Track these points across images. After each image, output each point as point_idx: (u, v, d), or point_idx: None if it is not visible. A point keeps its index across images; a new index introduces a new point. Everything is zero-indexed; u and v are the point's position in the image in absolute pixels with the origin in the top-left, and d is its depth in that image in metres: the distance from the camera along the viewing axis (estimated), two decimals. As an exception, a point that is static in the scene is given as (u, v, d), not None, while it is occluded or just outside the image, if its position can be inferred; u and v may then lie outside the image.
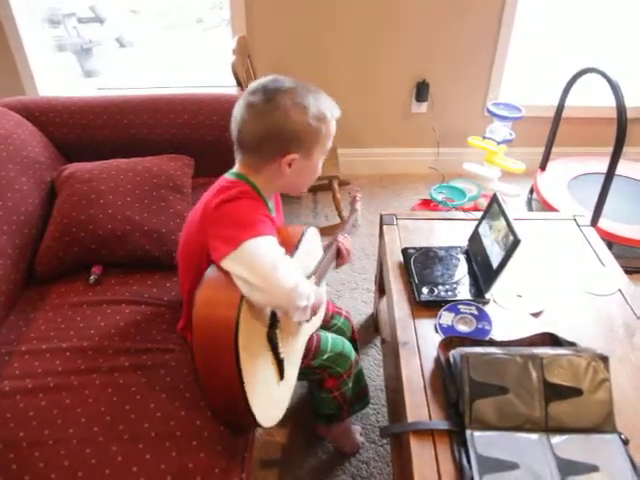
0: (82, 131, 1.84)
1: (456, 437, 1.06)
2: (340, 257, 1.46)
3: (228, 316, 1.02)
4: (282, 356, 1.19)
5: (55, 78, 3.04)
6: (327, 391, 1.48)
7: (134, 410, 1.18)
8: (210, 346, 1.05)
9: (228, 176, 1.22)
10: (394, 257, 1.59)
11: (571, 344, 1.20)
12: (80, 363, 1.28)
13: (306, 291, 1.10)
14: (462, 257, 1.56)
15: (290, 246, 1.25)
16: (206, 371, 1.07)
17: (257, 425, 1.12)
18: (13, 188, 1.55)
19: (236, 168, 1.22)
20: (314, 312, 1.20)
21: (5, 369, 1.27)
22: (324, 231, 1.81)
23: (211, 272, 1.09)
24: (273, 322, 1.17)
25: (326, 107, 1.17)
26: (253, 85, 1.16)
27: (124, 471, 1.07)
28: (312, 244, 1.38)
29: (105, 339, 1.35)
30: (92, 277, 1.53)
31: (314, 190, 3.03)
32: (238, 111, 1.16)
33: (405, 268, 1.53)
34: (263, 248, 1.07)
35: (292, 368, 1.28)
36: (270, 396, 1.17)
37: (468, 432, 1.05)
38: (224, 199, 1.13)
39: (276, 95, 1.12)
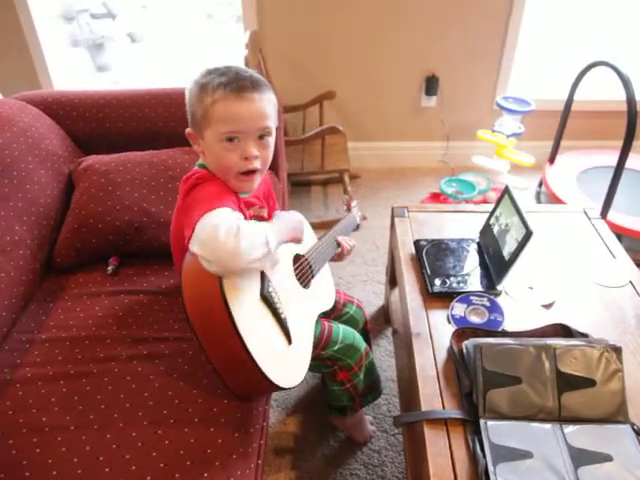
0: (98, 124, 1.85)
1: (470, 426, 1.08)
2: (340, 252, 1.51)
3: (213, 288, 1.01)
4: (283, 316, 1.16)
5: (70, 73, 3.07)
6: (339, 383, 1.48)
7: (152, 397, 1.20)
8: (206, 320, 1.04)
9: (195, 166, 1.26)
10: (406, 249, 1.61)
11: (583, 335, 1.21)
12: (99, 351, 1.31)
13: (259, 238, 1.03)
14: (473, 249, 1.57)
15: None
16: (211, 347, 1.07)
17: (276, 387, 1.10)
18: (32, 180, 1.58)
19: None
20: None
21: (26, 356, 1.30)
22: (321, 225, 1.85)
23: (187, 255, 1.08)
24: (263, 280, 1.14)
25: (220, 88, 1.11)
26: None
27: (144, 456, 1.09)
28: None
29: (123, 328, 1.37)
30: (110, 268, 1.55)
31: (325, 183, 3.05)
32: None
33: (417, 260, 1.55)
34: (206, 219, 1.01)
35: (302, 330, 1.25)
36: (279, 355, 1.14)
37: (482, 421, 1.06)
38: (185, 190, 1.17)
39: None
